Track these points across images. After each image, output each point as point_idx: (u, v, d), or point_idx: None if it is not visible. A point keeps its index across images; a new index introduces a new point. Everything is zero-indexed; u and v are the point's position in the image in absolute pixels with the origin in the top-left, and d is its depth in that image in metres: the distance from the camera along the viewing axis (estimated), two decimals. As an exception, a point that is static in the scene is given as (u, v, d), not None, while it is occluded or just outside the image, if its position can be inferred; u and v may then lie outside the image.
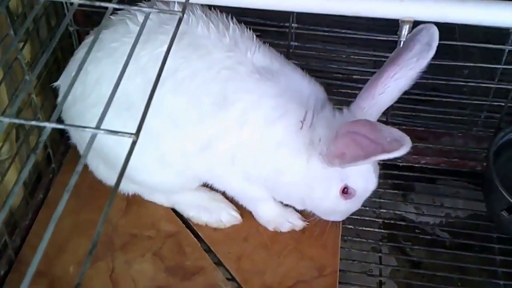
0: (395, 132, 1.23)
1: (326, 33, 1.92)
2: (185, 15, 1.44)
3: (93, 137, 0.83)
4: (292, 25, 1.82)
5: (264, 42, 1.60)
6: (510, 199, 1.62)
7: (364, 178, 1.46)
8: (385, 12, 1.28)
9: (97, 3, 1.03)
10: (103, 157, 1.60)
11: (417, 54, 1.33)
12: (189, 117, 1.46)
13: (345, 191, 1.46)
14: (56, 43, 1.84)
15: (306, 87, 1.51)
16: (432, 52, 1.33)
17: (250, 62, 1.46)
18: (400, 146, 1.17)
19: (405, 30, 1.29)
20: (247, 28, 1.57)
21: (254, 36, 1.55)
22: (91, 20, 1.90)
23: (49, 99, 1.83)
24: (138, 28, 1.43)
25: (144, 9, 1.03)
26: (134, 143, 0.83)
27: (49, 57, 1.81)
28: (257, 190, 1.59)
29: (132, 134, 0.82)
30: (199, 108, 1.44)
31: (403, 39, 1.30)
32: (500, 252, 1.77)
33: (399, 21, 1.29)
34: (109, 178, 1.69)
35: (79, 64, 0.87)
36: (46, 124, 0.81)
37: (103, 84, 1.48)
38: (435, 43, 1.32)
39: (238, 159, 1.47)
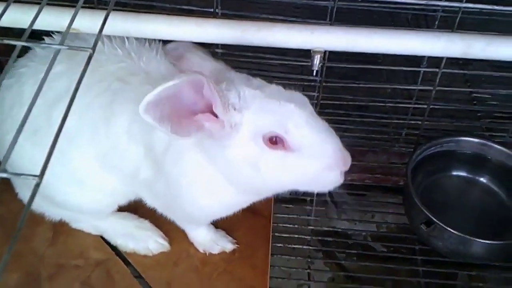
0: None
1: (251, 59, 1.98)
2: (85, 35, 1.44)
3: (-3, 180, 0.84)
4: (217, 50, 1.86)
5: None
6: (427, 213, 1.70)
7: (269, 112, 1.19)
8: (297, 43, 1.34)
9: (6, 41, 1.03)
10: (29, 185, 1.60)
11: None
12: (83, 134, 1.44)
13: (272, 141, 1.19)
14: (-21, 73, 1.81)
15: None
16: None
17: (143, 71, 1.42)
18: None
19: (316, 59, 1.35)
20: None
21: (158, 47, 1.48)
22: (13, 49, 1.87)
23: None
24: (43, 51, 1.47)
25: (54, 46, 1.02)
26: (37, 185, 0.84)
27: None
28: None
29: (36, 176, 0.84)
30: (91, 124, 1.42)
31: (315, 68, 1.36)
32: (422, 263, 1.86)
33: (311, 51, 1.35)
34: (36, 205, 1.67)
35: None
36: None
37: (15, 109, 1.48)
38: None
39: (142, 177, 1.44)
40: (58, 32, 1.45)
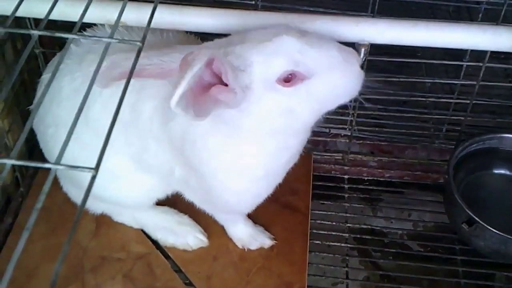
0: (189, 59, 1.08)
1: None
2: (122, 32, 1.44)
3: (53, 172, 0.85)
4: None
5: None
6: (469, 212, 1.66)
7: (270, 55, 1.14)
8: (342, 36, 1.32)
9: (57, 34, 1.04)
10: (72, 178, 1.63)
11: None
12: (118, 136, 1.43)
13: (288, 80, 1.15)
14: (23, 65, 1.85)
15: None
16: None
17: None
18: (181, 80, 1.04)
19: (362, 53, 1.33)
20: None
21: (185, 38, 1.48)
22: (57, 42, 1.90)
23: (17, 123, 1.82)
24: (78, 49, 1.48)
25: (104, 39, 1.02)
26: (93, 178, 0.85)
27: (16, 79, 1.81)
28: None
29: (92, 168, 0.84)
30: (123, 126, 1.41)
31: (360, 62, 1.34)
32: (462, 263, 1.82)
33: (355, 44, 1.33)
34: (79, 198, 1.69)
35: (44, 86, 0.90)
36: (6, 160, 0.82)
37: (53, 104, 1.50)
38: None
39: (176, 171, 1.43)
40: (102, 24, 1.47)
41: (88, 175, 0.81)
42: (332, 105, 1.24)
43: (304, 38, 1.16)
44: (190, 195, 1.57)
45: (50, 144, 1.58)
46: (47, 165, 0.84)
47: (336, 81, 1.19)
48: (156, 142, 1.40)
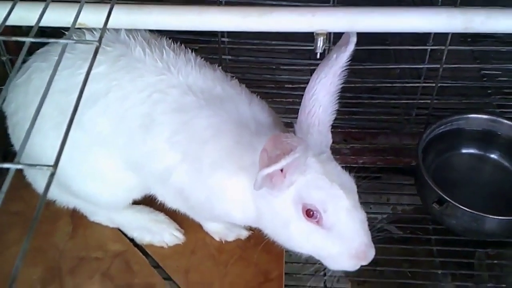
0: (288, 144, 1.16)
1: (256, 46, 1.99)
2: (126, 38, 1.48)
3: (12, 172, 0.87)
4: (223, 39, 1.88)
5: (201, 58, 1.56)
6: (439, 192, 1.70)
7: (318, 188, 1.28)
8: (300, 26, 1.35)
9: (14, 38, 1.06)
10: (45, 174, 1.62)
11: (335, 52, 1.30)
12: (117, 139, 1.47)
13: (309, 213, 1.28)
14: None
15: (247, 110, 1.46)
16: (350, 45, 1.29)
17: (184, 84, 1.44)
18: (278, 160, 1.14)
19: (320, 41, 1.35)
20: (181, 44, 1.57)
21: (194, 59, 1.51)
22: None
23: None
24: (83, 46, 1.46)
25: (61, 41, 1.05)
26: (52, 175, 0.86)
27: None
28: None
29: (50, 166, 0.86)
30: (127, 131, 1.45)
31: (319, 50, 1.37)
32: (436, 242, 1.86)
33: (314, 34, 1.36)
34: (49, 192, 1.68)
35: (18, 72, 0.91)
36: (-39, 162, 0.84)
37: (41, 96, 1.49)
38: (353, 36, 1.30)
39: (174, 180, 1.45)
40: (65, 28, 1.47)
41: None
42: (311, 254, 1.38)
43: (353, 208, 1.29)
44: (174, 201, 1.57)
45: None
46: (6, 165, 0.86)
47: (332, 252, 1.31)
48: (169, 150, 1.42)
